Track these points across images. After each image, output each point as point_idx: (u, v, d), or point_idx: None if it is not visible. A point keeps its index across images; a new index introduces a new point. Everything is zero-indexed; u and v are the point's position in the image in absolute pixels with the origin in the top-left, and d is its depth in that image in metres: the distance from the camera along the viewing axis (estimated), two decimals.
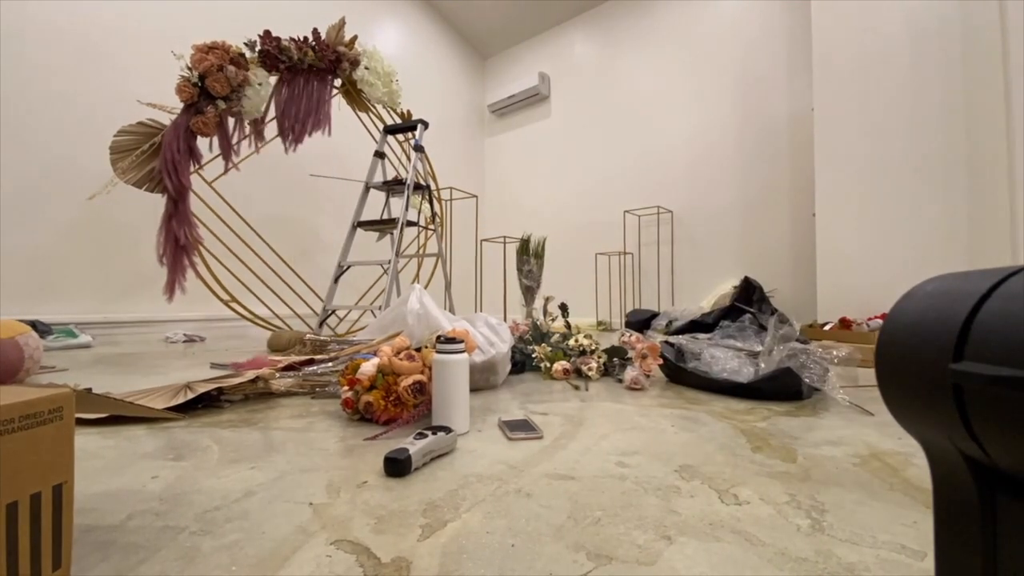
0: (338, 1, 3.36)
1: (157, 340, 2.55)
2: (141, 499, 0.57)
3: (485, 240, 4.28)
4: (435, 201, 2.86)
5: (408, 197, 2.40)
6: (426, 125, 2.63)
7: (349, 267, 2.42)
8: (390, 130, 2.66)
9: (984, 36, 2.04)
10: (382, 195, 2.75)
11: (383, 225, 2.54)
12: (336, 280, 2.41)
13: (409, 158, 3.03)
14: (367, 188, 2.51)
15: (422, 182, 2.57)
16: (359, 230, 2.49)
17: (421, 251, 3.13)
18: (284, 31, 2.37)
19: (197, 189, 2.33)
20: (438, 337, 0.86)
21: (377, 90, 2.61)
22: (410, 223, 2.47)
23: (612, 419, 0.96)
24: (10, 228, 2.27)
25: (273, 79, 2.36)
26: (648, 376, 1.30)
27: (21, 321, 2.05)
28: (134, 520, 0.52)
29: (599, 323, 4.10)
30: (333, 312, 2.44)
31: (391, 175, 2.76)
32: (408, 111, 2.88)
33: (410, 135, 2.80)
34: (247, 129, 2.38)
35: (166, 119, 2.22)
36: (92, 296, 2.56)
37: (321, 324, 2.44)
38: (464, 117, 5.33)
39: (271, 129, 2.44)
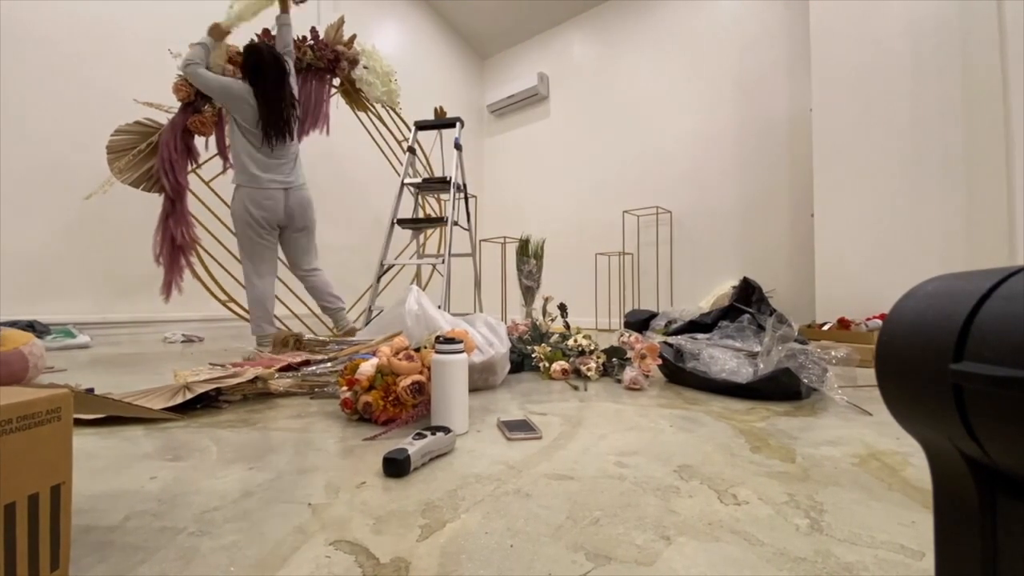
0: (337, 0, 3.35)
1: (155, 340, 2.54)
2: (139, 499, 0.57)
3: (484, 240, 4.28)
4: (468, 200, 2.79)
5: (454, 196, 2.34)
6: (463, 123, 2.59)
7: (391, 267, 2.35)
8: (422, 126, 2.58)
9: (983, 36, 2.05)
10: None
11: (431, 224, 2.47)
12: (379, 279, 2.32)
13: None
14: (403, 186, 2.43)
15: (461, 181, 2.51)
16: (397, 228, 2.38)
17: (445, 250, 3.08)
18: None
19: (194, 188, 2.33)
20: (437, 337, 0.86)
21: (376, 89, 2.60)
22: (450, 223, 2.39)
23: (611, 419, 0.96)
24: (8, 228, 2.26)
25: None
26: (647, 376, 1.30)
27: (18, 321, 2.04)
28: (132, 521, 0.52)
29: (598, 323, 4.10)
30: (380, 311, 2.38)
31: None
32: (441, 108, 2.83)
33: (407, 134, 2.77)
34: None
35: (163, 118, 2.22)
36: (90, 296, 2.56)
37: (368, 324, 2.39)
38: (463, 117, 5.32)
39: None
